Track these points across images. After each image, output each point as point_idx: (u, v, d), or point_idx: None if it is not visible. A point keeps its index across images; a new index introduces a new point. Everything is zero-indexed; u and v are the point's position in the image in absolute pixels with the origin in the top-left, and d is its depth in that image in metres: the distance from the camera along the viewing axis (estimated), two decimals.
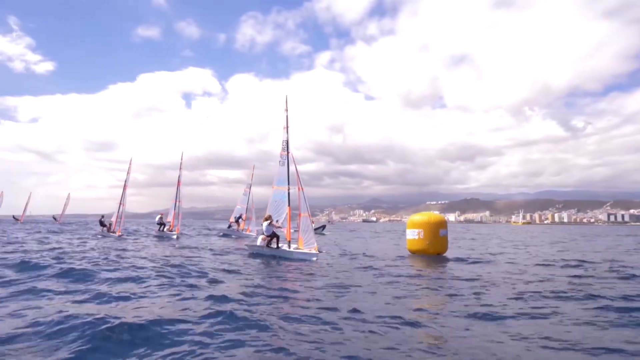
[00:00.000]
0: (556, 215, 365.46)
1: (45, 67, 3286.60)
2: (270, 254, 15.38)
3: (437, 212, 17.92)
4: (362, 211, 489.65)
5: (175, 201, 27.37)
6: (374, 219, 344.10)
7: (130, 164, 29.77)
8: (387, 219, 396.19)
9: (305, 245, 15.09)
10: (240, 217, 31.10)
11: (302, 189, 15.53)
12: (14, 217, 55.89)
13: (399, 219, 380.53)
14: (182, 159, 27.84)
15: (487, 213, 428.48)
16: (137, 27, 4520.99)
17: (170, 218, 27.68)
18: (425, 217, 16.29)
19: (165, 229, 27.63)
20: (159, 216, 29.10)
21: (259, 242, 16.04)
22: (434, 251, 15.85)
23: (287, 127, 16.54)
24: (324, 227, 46.39)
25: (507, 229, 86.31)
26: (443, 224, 16.10)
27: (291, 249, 15.21)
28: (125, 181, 29.54)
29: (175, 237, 25.13)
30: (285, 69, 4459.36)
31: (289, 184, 16.05)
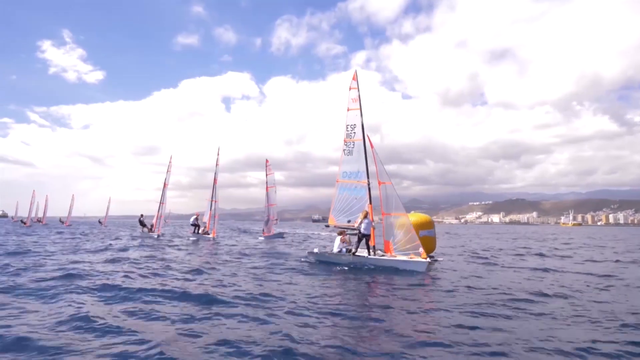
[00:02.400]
0: (611, 216, 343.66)
1: (95, 76, 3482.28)
2: (353, 262, 12.56)
3: (422, 213, 17.01)
4: None
5: (211, 200, 25.81)
6: None
7: (170, 162, 28.66)
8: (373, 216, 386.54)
9: (401, 251, 12.42)
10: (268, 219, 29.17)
11: (385, 182, 12.80)
12: (60, 220, 57.97)
13: (440, 220, 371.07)
14: (218, 154, 27.00)
15: (534, 214, 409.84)
16: (177, 36, 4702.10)
17: (206, 219, 26.24)
18: (411, 218, 15.93)
19: (200, 231, 26.09)
20: (194, 216, 27.17)
21: (336, 246, 13.64)
22: None
23: (361, 107, 13.58)
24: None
25: (552, 230, 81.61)
26: (425, 225, 15.42)
27: (377, 257, 12.55)
28: (165, 180, 28.29)
29: (211, 239, 23.80)
30: (321, 70, 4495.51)
31: (368, 177, 13.24)
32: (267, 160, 29.33)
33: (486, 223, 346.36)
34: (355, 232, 13.11)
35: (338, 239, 13.63)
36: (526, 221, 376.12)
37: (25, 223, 52.92)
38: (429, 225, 15.45)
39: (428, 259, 11.96)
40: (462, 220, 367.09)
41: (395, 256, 12.40)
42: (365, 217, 12.92)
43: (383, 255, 12.61)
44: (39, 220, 57.07)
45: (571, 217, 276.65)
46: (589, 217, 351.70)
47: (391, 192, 12.71)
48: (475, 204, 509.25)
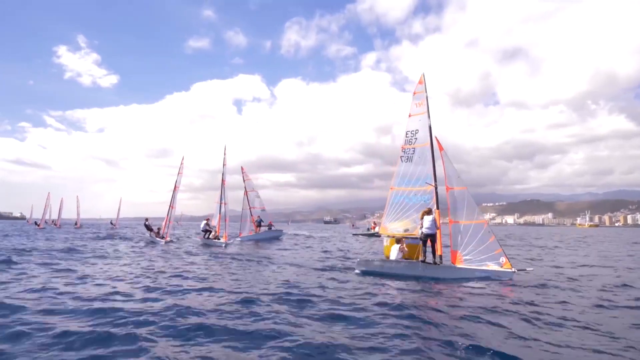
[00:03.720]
0: (629, 217, 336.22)
1: (109, 80, 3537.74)
2: (420, 275, 11.27)
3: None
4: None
5: (220, 203, 24.86)
6: None
7: (181, 164, 27.36)
8: (440, 221, 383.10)
9: (475, 263, 11.31)
10: (261, 220, 30.45)
11: (454, 188, 11.84)
12: (75, 223, 58.60)
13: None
14: (224, 154, 26.19)
15: (550, 215, 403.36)
16: (188, 39, 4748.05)
17: (215, 222, 25.18)
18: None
19: (211, 236, 24.75)
20: (204, 222, 25.78)
21: (394, 254, 12.41)
22: (404, 256, 15.46)
23: (429, 111, 12.76)
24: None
25: (564, 231, 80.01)
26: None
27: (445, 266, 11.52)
28: (176, 182, 27.03)
29: (223, 245, 22.04)
30: (332, 71, 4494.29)
31: (435, 180, 12.35)
32: (242, 168, 31.13)
33: (500, 224, 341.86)
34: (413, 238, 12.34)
35: (395, 247, 12.52)
36: (541, 222, 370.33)
37: (39, 225, 53.36)
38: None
39: (514, 269, 10.94)
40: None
41: (468, 267, 11.29)
42: (428, 213, 11.66)
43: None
44: (54, 223, 58.01)
45: (587, 218, 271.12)
46: (606, 218, 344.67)
47: (462, 197, 11.72)
48: (488, 204, 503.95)
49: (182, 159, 27.66)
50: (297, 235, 40.66)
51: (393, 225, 13.12)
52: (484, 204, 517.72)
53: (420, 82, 13.27)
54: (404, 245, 12.50)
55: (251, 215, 30.07)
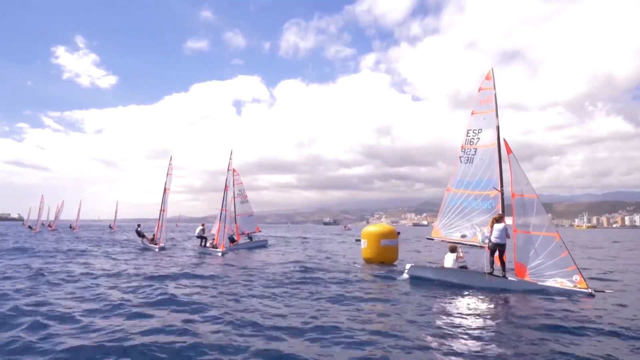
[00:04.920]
0: (627, 218, 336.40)
1: (108, 81, 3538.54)
2: (486, 286, 10.45)
3: (379, 214, 17.18)
4: (413, 215, 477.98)
5: (222, 209, 22.72)
6: (425, 222, 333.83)
7: (169, 164, 25.37)
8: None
9: (544, 277, 10.30)
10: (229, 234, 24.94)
11: (521, 195, 10.71)
12: (70, 226, 57.73)
13: None
14: (230, 158, 23.99)
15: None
16: (187, 40, 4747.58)
17: (214, 230, 23.28)
18: (372, 228, 17.08)
19: (208, 244, 22.92)
20: (200, 227, 24.20)
21: (449, 262, 11.71)
22: (377, 260, 16.28)
23: (497, 109, 11.91)
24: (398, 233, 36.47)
25: (562, 233, 79.38)
26: (387, 235, 16.42)
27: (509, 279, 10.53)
28: (165, 184, 24.90)
29: (220, 254, 20.46)
30: (331, 72, 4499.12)
31: (502, 185, 11.39)
32: (234, 170, 27.26)
33: None
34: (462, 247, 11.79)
35: (450, 255, 11.78)
36: None
37: (34, 229, 50.69)
38: (392, 236, 16.57)
39: (591, 290, 9.76)
40: None
41: (536, 282, 10.35)
42: (499, 221, 10.71)
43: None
44: (49, 226, 57.58)
45: (585, 219, 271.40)
46: (604, 219, 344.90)
47: (531, 206, 10.61)
48: None
49: (170, 158, 25.71)
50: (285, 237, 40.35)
51: (448, 231, 12.46)
52: None
53: (487, 78, 12.39)
54: (461, 253, 11.87)
55: (236, 222, 27.45)
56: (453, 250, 11.89)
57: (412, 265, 12.17)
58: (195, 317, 7.33)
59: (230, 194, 24.77)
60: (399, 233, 33.96)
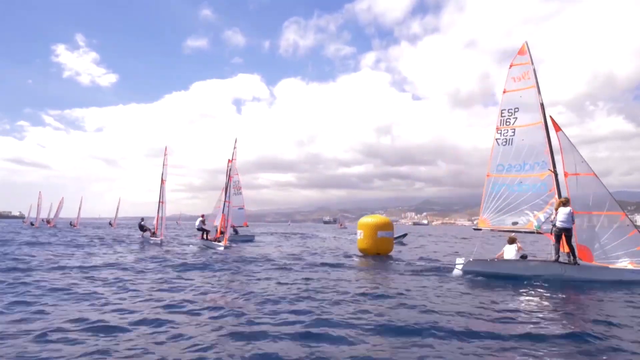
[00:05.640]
0: None
1: (108, 79, 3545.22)
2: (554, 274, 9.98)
3: (379, 213, 17.22)
4: (413, 214, 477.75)
5: (225, 201, 21.94)
6: (425, 221, 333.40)
7: (165, 154, 24.62)
8: (439, 221, 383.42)
9: (611, 260, 9.98)
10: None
11: (576, 174, 10.24)
12: (70, 223, 58.16)
13: (452, 221, 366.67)
14: (235, 147, 22.36)
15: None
16: (187, 39, 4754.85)
17: (217, 222, 22.66)
18: (369, 219, 17.02)
19: (211, 237, 22.40)
20: (200, 219, 23.39)
21: (510, 254, 11.08)
22: (373, 251, 16.37)
23: (538, 85, 11.19)
24: (405, 235, 34.34)
25: None
26: (384, 226, 16.51)
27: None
28: (162, 176, 24.48)
29: (221, 248, 19.72)
30: (331, 71, 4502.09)
31: (554, 165, 10.69)
32: (229, 160, 24.73)
33: None
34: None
35: (511, 247, 11.20)
36: None
37: (34, 225, 54.16)
38: (388, 227, 16.69)
39: None
40: (475, 222, 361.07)
41: (607, 265, 9.92)
42: (565, 204, 10.09)
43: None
44: (47, 222, 57.54)
45: None
46: None
47: (588, 185, 10.15)
48: None
49: (166, 149, 24.80)
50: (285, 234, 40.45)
51: (496, 219, 11.70)
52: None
53: (521, 53, 11.67)
54: (519, 244, 11.33)
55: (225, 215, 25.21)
56: (512, 241, 11.31)
57: (469, 260, 11.14)
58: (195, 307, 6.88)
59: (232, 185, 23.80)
60: (405, 235, 34.39)
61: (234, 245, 23.03)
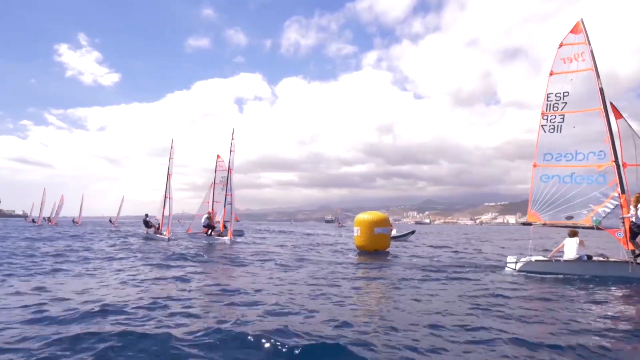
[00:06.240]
0: None
1: (110, 78, 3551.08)
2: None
3: (381, 212, 17.77)
4: (415, 213, 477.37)
5: (226, 194, 21.94)
6: (427, 220, 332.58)
7: (171, 147, 24.79)
8: (442, 220, 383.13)
9: None
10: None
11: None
12: (73, 220, 57.98)
13: (454, 220, 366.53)
14: (232, 138, 22.09)
15: None
16: (188, 38, 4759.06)
17: (220, 217, 22.63)
18: (365, 216, 16.60)
19: (213, 232, 22.09)
20: (206, 215, 22.53)
21: (571, 250, 10.06)
22: (370, 247, 16.18)
23: (596, 67, 10.26)
24: (412, 232, 33.71)
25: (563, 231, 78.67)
26: (380, 223, 16.33)
27: None
28: (169, 169, 24.47)
29: (228, 242, 19.96)
30: (333, 70, 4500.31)
31: (616, 156, 9.77)
32: (218, 156, 26.45)
33: (502, 224, 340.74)
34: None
35: (572, 241, 10.15)
36: None
37: (37, 222, 53.94)
38: (385, 223, 16.58)
39: None
40: (478, 221, 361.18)
41: None
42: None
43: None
44: (49, 220, 57.38)
45: None
46: None
47: None
48: (490, 204, 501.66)
49: (172, 142, 24.95)
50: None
51: (547, 213, 10.77)
52: (485, 204, 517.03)
53: (574, 31, 10.61)
54: (580, 238, 10.23)
55: (212, 209, 24.63)
56: (574, 234, 10.23)
57: (525, 261, 10.32)
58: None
59: (231, 177, 22.75)
60: (413, 232, 34.22)
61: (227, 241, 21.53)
